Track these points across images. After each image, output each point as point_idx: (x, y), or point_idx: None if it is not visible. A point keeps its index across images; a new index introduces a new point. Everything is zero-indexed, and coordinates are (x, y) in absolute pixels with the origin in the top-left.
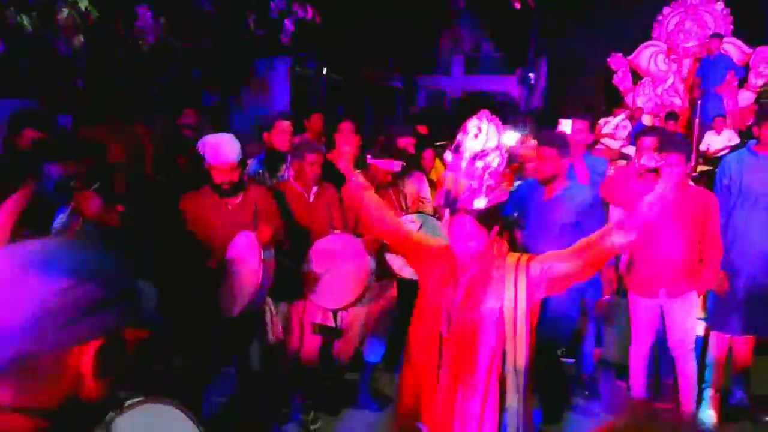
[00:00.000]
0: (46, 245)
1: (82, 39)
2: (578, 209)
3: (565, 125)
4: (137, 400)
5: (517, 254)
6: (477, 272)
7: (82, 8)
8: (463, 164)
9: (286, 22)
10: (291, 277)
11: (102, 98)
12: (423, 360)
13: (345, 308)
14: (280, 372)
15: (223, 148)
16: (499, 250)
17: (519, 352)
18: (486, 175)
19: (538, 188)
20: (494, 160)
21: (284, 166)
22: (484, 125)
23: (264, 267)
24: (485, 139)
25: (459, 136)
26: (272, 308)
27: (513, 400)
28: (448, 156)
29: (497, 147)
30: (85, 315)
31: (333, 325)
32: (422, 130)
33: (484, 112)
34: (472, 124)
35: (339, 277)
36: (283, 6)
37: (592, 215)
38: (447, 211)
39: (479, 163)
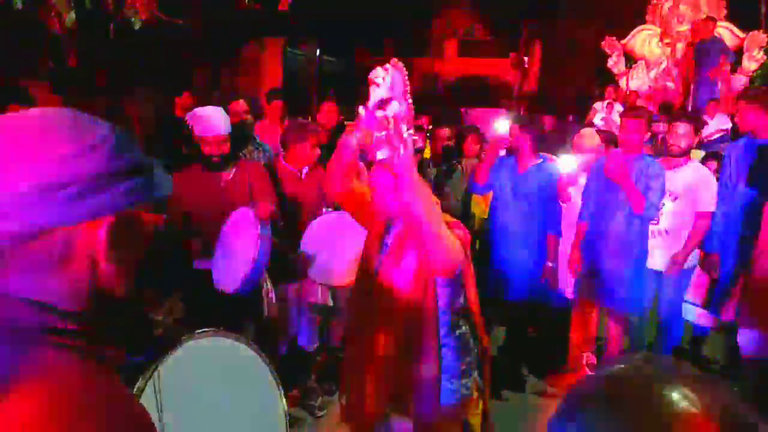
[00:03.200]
0: (44, 114)
1: (74, 17)
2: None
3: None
4: (209, 329)
5: (446, 217)
6: (402, 229)
7: None
8: (365, 116)
9: None
10: (285, 258)
11: (92, 77)
12: (359, 317)
13: (348, 286)
14: (274, 352)
15: (212, 119)
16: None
17: (433, 312)
18: (390, 124)
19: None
20: (396, 107)
21: (251, 148)
22: (389, 72)
23: (261, 242)
24: (387, 86)
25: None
26: (269, 285)
27: (429, 357)
28: (361, 111)
29: (403, 93)
30: (97, 187)
31: (332, 304)
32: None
33: (393, 60)
34: (377, 73)
35: (339, 255)
36: None
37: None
38: (362, 165)
39: (379, 113)
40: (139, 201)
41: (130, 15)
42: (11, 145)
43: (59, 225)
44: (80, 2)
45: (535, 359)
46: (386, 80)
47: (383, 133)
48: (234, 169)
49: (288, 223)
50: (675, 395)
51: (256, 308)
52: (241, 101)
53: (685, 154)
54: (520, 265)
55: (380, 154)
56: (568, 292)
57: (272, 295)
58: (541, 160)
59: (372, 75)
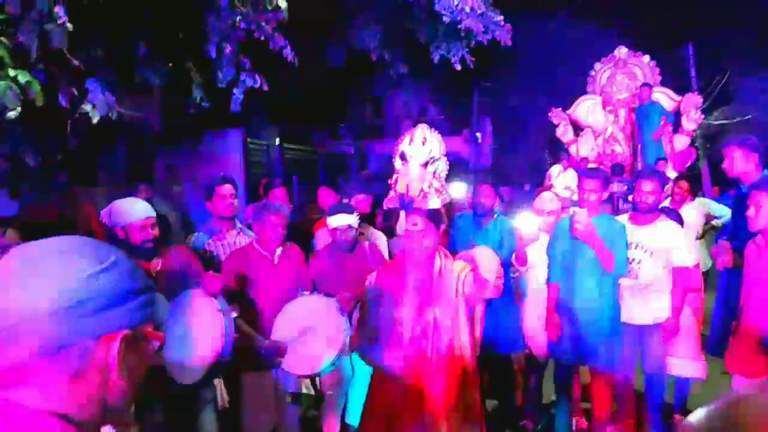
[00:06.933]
0: (62, 241)
1: (19, 110)
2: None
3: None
4: None
5: (461, 263)
6: (426, 275)
7: (23, 81)
8: (414, 170)
9: (235, 91)
10: (257, 347)
11: (50, 176)
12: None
13: (319, 374)
14: None
15: (136, 204)
16: (445, 252)
17: (463, 343)
18: (434, 179)
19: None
20: (440, 166)
21: (234, 232)
22: (429, 134)
23: (224, 317)
24: (431, 147)
25: (403, 145)
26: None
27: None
28: (398, 163)
29: (442, 155)
30: (113, 303)
31: (311, 392)
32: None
33: (424, 124)
34: (418, 133)
35: (312, 341)
36: (231, 75)
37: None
38: (403, 213)
39: (430, 168)
40: (148, 318)
41: (87, 110)
42: (35, 267)
43: (78, 339)
44: (28, 99)
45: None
46: (433, 141)
47: (434, 185)
48: (160, 259)
49: (262, 310)
50: None
51: (212, 398)
52: (228, 185)
53: (654, 209)
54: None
55: (432, 203)
56: (539, 354)
57: (222, 384)
58: (496, 215)
59: (416, 135)
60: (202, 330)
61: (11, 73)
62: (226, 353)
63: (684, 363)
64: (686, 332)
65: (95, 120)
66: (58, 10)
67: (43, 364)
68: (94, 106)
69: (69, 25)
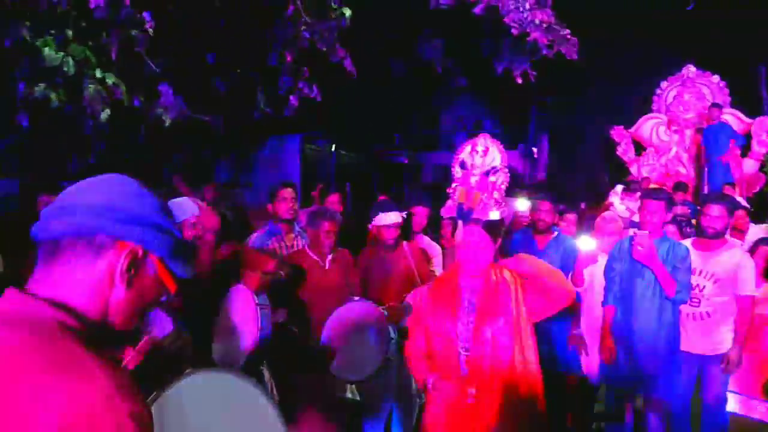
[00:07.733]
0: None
1: (109, 112)
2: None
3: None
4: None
5: (510, 271)
6: (482, 288)
7: (110, 83)
8: (474, 180)
9: (291, 98)
10: (308, 349)
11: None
12: (448, 388)
13: (365, 380)
14: None
15: (184, 203)
16: (500, 267)
17: (528, 359)
18: (495, 191)
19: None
20: (501, 177)
21: (293, 235)
22: (491, 144)
23: (260, 312)
24: (493, 157)
25: (464, 154)
26: (267, 372)
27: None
28: (457, 172)
29: (503, 166)
30: (139, 222)
31: (357, 398)
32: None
33: (486, 134)
34: (480, 143)
35: (359, 347)
36: (290, 83)
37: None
38: (461, 223)
39: (491, 179)
40: (166, 255)
41: (160, 113)
42: (93, 182)
43: (102, 232)
44: (114, 100)
45: None
46: (495, 152)
47: (494, 196)
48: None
49: (313, 313)
50: None
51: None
52: (289, 189)
53: (721, 236)
54: (548, 335)
55: (493, 215)
56: (592, 377)
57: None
58: (557, 233)
59: (478, 145)
60: (240, 322)
61: (98, 74)
62: (262, 343)
63: (745, 400)
64: (750, 366)
65: (168, 123)
66: (145, 15)
67: (72, 244)
68: (165, 109)
69: (150, 31)
